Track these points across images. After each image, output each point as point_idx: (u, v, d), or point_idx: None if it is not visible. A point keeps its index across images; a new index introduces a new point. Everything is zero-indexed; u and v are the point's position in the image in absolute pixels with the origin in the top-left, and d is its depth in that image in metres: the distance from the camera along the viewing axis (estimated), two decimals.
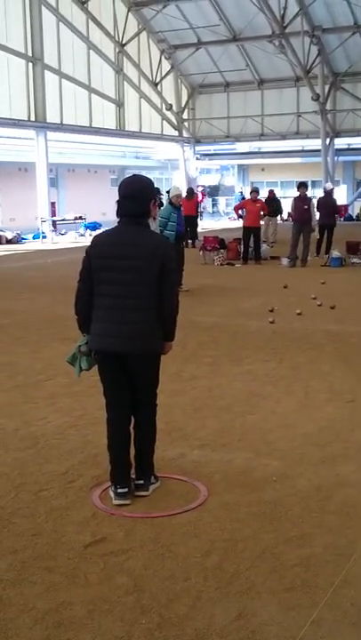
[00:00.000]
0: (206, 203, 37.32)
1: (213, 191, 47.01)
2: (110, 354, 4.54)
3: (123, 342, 4.46)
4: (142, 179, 4.71)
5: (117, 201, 4.59)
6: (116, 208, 4.63)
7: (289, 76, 33.20)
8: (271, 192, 24.75)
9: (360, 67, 31.39)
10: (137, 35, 31.63)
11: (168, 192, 13.39)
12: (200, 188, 37.73)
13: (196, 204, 26.50)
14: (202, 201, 34.23)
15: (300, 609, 3.39)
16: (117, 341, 4.47)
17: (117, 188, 4.72)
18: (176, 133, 36.03)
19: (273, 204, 23.39)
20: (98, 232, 4.91)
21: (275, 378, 7.52)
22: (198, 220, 27.24)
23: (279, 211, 24.63)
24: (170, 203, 13.13)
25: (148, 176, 4.87)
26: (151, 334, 4.54)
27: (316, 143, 32.94)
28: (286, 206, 23.12)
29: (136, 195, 4.55)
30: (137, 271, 4.44)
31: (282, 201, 25.65)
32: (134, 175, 4.79)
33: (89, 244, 4.68)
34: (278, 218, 25.18)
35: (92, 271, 4.52)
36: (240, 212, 19.75)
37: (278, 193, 30.20)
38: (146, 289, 4.47)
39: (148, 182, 4.69)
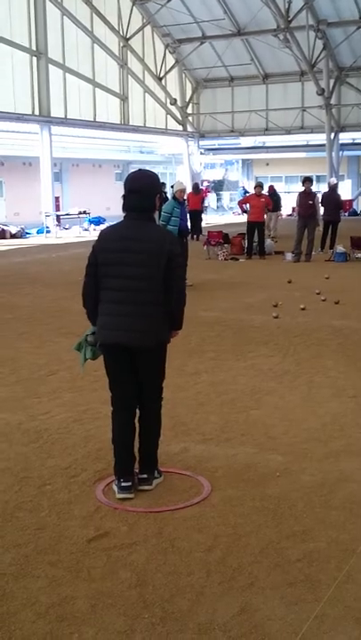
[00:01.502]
0: (210, 199, 37.00)
1: (218, 186, 46.91)
2: (117, 347, 4.54)
3: (130, 335, 4.47)
4: (148, 173, 4.71)
5: (123, 195, 4.59)
6: (122, 202, 4.64)
7: (294, 71, 33.11)
8: (271, 187, 24.68)
9: None
10: (141, 29, 31.55)
11: (172, 187, 13.37)
12: (205, 184, 37.70)
13: (202, 199, 26.46)
14: (205, 196, 34.16)
15: (303, 604, 3.39)
16: (125, 335, 4.47)
17: (123, 182, 4.72)
18: (180, 128, 35.96)
19: (273, 200, 23.36)
20: (103, 227, 4.92)
21: (279, 373, 7.52)
22: (203, 214, 27.20)
23: (279, 206, 24.55)
24: (174, 197, 13.11)
25: (153, 170, 4.87)
26: (159, 327, 4.56)
27: (320, 138, 32.86)
28: (288, 202, 23.08)
29: (142, 189, 4.55)
30: (144, 265, 4.45)
31: (286, 196, 25.59)
32: (140, 170, 4.79)
33: (95, 238, 4.69)
34: (279, 213, 25.09)
35: (99, 266, 4.54)
36: (244, 206, 19.71)
37: (283, 188, 30.22)
38: (152, 282, 4.49)
39: (154, 177, 4.70)
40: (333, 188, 19.66)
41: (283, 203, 25.36)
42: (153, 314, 4.51)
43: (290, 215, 28.60)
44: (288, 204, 27.49)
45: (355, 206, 36.98)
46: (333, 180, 20.77)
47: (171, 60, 33.79)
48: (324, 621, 3.26)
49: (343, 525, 4.16)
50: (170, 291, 4.50)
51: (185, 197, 13.98)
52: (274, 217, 23.66)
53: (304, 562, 3.77)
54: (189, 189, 23.31)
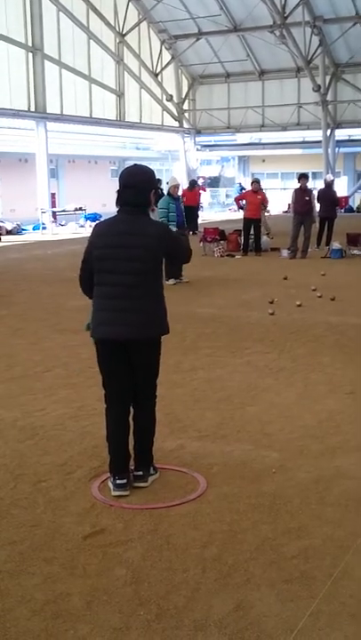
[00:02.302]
0: (203, 198, 36.36)
1: (214, 182, 46.87)
2: (114, 343, 4.53)
3: (128, 330, 4.46)
4: (143, 169, 4.69)
5: (118, 190, 4.58)
6: (116, 197, 4.63)
7: (290, 67, 33.10)
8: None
9: None
10: (137, 25, 31.49)
11: (168, 183, 13.45)
12: (201, 181, 37.54)
13: (198, 195, 26.40)
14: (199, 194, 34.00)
15: (298, 600, 3.39)
16: (122, 329, 4.46)
17: (118, 177, 4.71)
18: (176, 124, 35.94)
19: None
20: (97, 222, 4.90)
21: (274, 369, 7.51)
22: (199, 211, 27.13)
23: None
24: (168, 194, 13.17)
25: (149, 166, 4.85)
26: (155, 321, 4.57)
27: (316, 134, 32.89)
28: (283, 198, 22.92)
29: (137, 184, 4.54)
30: (140, 260, 4.45)
31: (282, 192, 25.53)
32: (135, 165, 4.77)
33: (90, 234, 4.69)
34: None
35: (94, 261, 4.53)
36: (241, 202, 19.69)
37: (279, 184, 30.09)
38: (149, 277, 4.50)
39: (150, 172, 4.69)
40: (329, 185, 19.64)
41: (273, 200, 25.24)
42: (149, 308, 4.51)
43: (286, 212, 28.56)
44: (283, 200, 27.42)
45: (351, 203, 37.00)
46: (330, 177, 20.75)
47: (167, 56, 33.77)
48: (320, 618, 3.26)
49: (339, 522, 4.16)
50: (175, 259, 4.77)
51: (180, 193, 14.03)
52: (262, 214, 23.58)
53: (300, 558, 3.77)
54: (186, 185, 23.34)
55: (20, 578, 3.62)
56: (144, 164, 5.17)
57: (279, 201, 31.13)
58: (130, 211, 4.54)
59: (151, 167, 4.94)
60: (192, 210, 23.87)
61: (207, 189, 40.21)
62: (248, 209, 18.68)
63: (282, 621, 3.23)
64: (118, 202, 4.60)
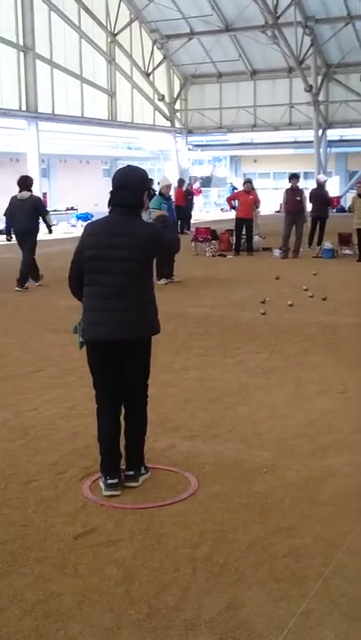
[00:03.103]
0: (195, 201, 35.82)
1: (206, 182, 46.85)
2: (105, 343, 4.52)
3: (119, 330, 4.46)
4: (137, 170, 4.69)
5: (111, 191, 4.58)
6: (109, 198, 4.62)
7: (282, 67, 33.11)
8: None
9: (353, 58, 31.32)
10: (129, 24, 31.43)
11: (159, 183, 13.54)
12: (197, 185, 37.47)
13: (186, 195, 26.32)
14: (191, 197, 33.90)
15: (289, 600, 3.40)
16: (114, 329, 4.46)
17: (111, 178, 4.71)
18: (168, 124, 35.90)
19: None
20: (89, 222, 4.90)
21: (266, 369, 7.52)
22: (190, 212, 27.08)
23: None
24: (160, 194, 13.22)
25: (141, 167, 4.85)
26: (147, 320, 4.57)
27: (308, 134, 32.92)
28: (274, 198, 22.91)
29: (130, 185, 4.53)
30: (132, 261, 4.45)
31: (272, 193, 25.50)
32: (129, 166, 4.77)
33: (81, 234, 4.69)
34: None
35: (84, 261, 4.52)
36: (233, 202, 19.70)
37: (271, 184, 30.02)
38: (140, 277, 4.51)
39: (143, 174, 4.68)
40: (321, 185, 19.68)
41: (265, 199, 25.23)
42: (140, 308, 4.52)
43: (278, 212, 28.58)
44: (275, 200, 27.40)
45: (342, 203, 37.05)
46: (323, 177, 20.79)
47: (159, 55, 33.73)
48: (311, 617, 3.26)
49: (330, 521, 4.17)
50: (166, 258, 4.79)
51: (171, 193, 14.14)
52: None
53: (291, 557, 3.77)
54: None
55: (11, 577, 3.61)
56: (136, 163, 5.18)
57: (271, 201, 31.12)
58: (122, 212, 4.54)
59: (143, 167, 4.94)
60: (182, 209, 23.89)
61: (201, 190, 40.06)
62: (240, 209, 18.70)
63: (273, 620, 3.24)
64: (111, 202, 4.59)
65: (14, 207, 12.91)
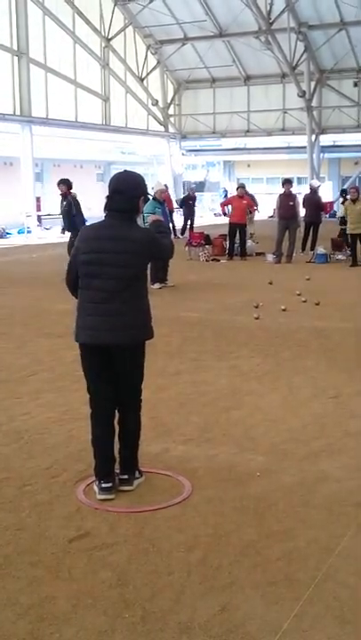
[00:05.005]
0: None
1: (199, 187, 46.89)
2: (98, 347, 4.54)
3: (113, 334, 4.47)
4: (134, 175, 4.71)
5: (107, 196, 4.59)
6: (104, 202, 4.64)
7: (275, 73, 33.24)
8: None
9: (346, 64, 31.48)
10: (123, 29, 31.54)
11: (153, 188, 13.64)
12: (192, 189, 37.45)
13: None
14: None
15: (282, 603, 3.41)
16: (108, 334, 4.47)
17: (107, 182, 4.72)
18: (162, 129, 35.97)
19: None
20: (84, 226, 4.92)
21: (259, 373, 7.54)
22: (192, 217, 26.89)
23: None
24: (154, 198, 13.28)
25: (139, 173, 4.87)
26: (140, 325, 4.59)
27: (301, 140, 33.03)
28: (268, 203, 22.91)
29: (126, 190, 4.55)
30: (127, 266, 4.47)
31: (265, 197, 25.48)
32: (126, 171, 4.79)
33: (77, 238, 4.71)
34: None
35: (79, 265, 4.54)
36: (226, 208, 19.72)
37: (264, 189, 29.99)
38: (134, 282, 4.53)
39: (140, 179, 4.70)
40: (315, 190, 19.73)
41: (259, 204, 25.24)
42: (134, 313, 4.53)
43: (271, 217, 28.63)
44: (268, 205, 27.43)
45: (336, 208, 37.13)
46: (316, 183, 20.83)
47: (152, 60, 33.82)
48: (304, 620, 3.28)
49: (323, 525, 4.19)
50: (161, 262, 4.82)
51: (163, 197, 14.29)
52: None
53: (284, 561, 3.79)
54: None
55: (5, 581, 3.62)
56: (129, 168, 5.18)
57: (264, 206, 31.20)
58: (117, 216, 4.55)
59: (137, 171, 4.95)
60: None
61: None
62: (234, 214, 18.73)
63: (266, 623, 3.25)
64: (106, 207, 4.61)
65: None
